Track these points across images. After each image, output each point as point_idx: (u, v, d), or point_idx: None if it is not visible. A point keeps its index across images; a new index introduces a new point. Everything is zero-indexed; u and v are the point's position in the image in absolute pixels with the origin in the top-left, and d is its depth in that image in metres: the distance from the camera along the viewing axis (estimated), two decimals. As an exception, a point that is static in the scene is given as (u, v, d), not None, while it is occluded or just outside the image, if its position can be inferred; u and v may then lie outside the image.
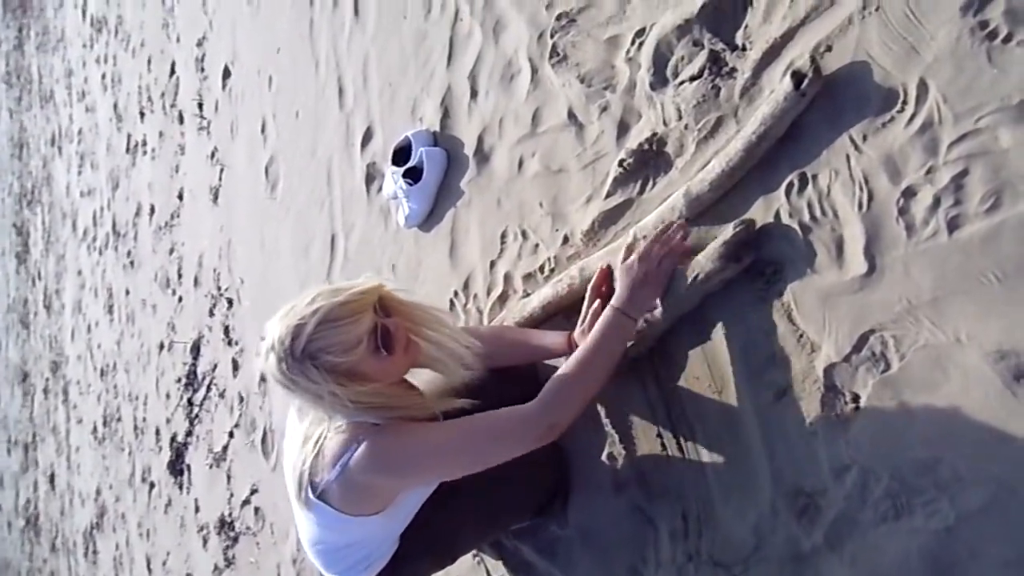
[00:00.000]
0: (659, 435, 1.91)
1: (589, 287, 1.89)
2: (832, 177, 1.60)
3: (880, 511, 1.49)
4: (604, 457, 2.02)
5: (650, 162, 1.96)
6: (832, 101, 1.60)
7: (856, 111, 1.57)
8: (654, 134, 1.94)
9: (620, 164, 1.99)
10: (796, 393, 1.63)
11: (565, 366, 1.71)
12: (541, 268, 2.23)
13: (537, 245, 2.27)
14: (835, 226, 1.59)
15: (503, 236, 2.39)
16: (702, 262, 1.72)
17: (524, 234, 2.32)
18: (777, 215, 1.68)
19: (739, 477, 1.72)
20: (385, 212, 2.99)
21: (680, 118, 1.88)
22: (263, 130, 4.02)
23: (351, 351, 1.55)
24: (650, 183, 1.96)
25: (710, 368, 1.79)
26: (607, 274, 1.88)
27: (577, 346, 1.82)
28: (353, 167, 3.20)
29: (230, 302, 4.29)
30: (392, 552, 1.90)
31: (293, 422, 1.84)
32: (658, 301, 1.78)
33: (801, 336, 1.63)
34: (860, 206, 1.54)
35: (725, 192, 1.75)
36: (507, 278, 2.35)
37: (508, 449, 1.68)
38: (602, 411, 2.02)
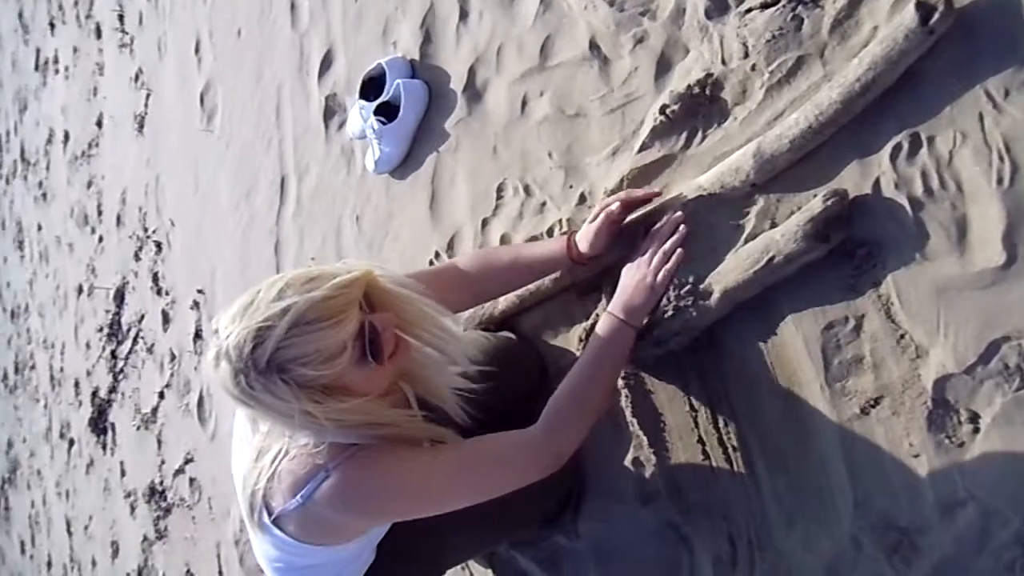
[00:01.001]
0: (700, 441, 1.59)
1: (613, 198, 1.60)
2: (957, 141, 1.26)
3: (1004, 561, 1.21)
4: (628, 462, 1.70)
5: (700, 110, 1.59)
6: (964, 43, 1.26)
7: (996, 58, 1.23)
8: (708, 75, 1.57)
9: (662, 111, 1.62)
10: (892, 406, 1.33)
11: (564, 384, 1.45)
12: (550, 231, 1.86)
13: (544, 203, 1.90)
14: (957, 203, 1.26)
15: (500, 190, 2.02)
16: (779, 241, 1.38)
17: (527, 189, 1.94)
18: (877, 185, 1.34)
19: (809, 500, 1.43)
20: (348, 154, 2.57)
21: (746, 56, 1.51)
22: (197, 50, 3.55)
23: (332, 361, 1.20)
24: (698, 136, 1.60)
25: (775, 368, 1.47)
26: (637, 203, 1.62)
27: (578, 246, 1.60)
28: (308, 98, 2.76)
29: (158, 246, 3.87)
30: (368, 565, 1.58)
31: (243, 424, 1.48)
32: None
33: (902, 337, 1.31)
34: (999, 180, 1.22)
35: (807, 153, 1.40)
36: (505, 241, 1.97)
37: (509, 483, 1.41)
38: (627, 408, 1.69)
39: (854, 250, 1.36)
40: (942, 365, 1.26)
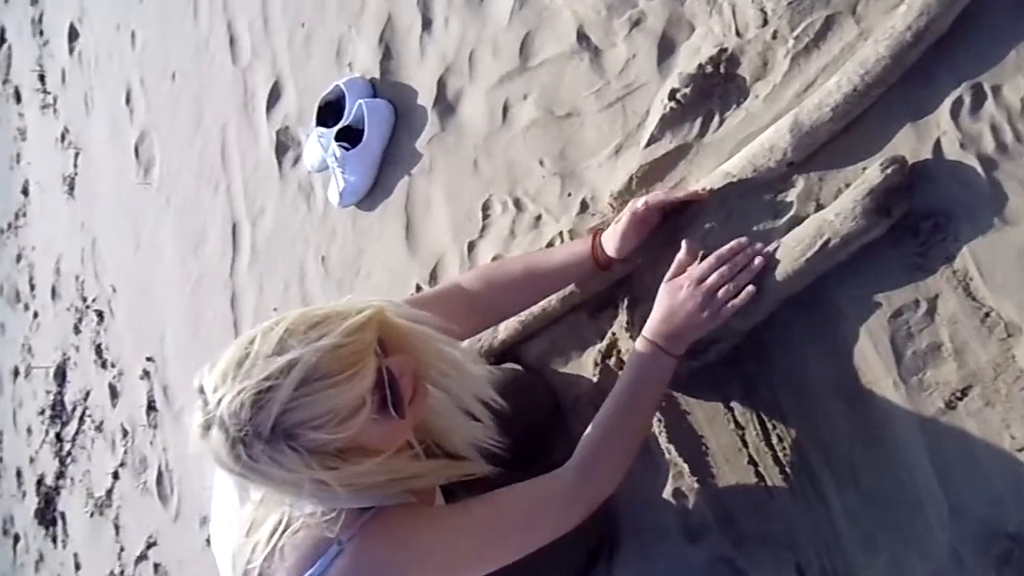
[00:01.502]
0: (752, 462, 1.39)
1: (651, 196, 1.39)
2: (1030, 86, 1.11)
3: None
4: (668, 495, 1.50)
5: (716, 91, 1.43)
6: (1026, -24, 1.12)
7: (1065, -12, 1.09)
8: (721, 50, 1.41)
9: (671, 96, 1.45)
10: (983, 396, 1.16)
11: (597, 421, 1.27)
12: (550, 246, 1.67)
13: (539, 217, 1.71)
14: (1038, 156, 1.11)
15: (485, 208, 1.83)
16: (833, 222, 1.21)
17: (518, 203, 1.76)
18: (938, 147, 1.19)
19: (892, 516, 1.24)
20: (307, 189, 2.36)
21: (764, 23, 1.36)
22: (128, 100, 3.33)
23: (349, 421, 0.99)
24: (715, 120, 1.43)
25: (835, 368, 1.29)
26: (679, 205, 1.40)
27: (604, 248, 1.40)
28: (257, 136, 2.56)
29: (100, 315, 3.60)
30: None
31: (227, 491, 1.25)
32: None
33: (987, 315, 1.15)
34: (1088, 123, 1.06)
35: (850, 122, 1.24)
36: (497, 261, 1.78)
37: (544, 538, 1.22)
38: (661, 434, 1.49)
39: (917, 224, 1.20)
40: (1042, 342, 1.10)
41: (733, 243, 1.27)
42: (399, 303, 1.16)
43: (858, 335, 1.26)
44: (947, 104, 1.18)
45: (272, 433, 0.95)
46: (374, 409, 1.02)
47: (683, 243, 1.31)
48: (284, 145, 2.47)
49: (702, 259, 1.29)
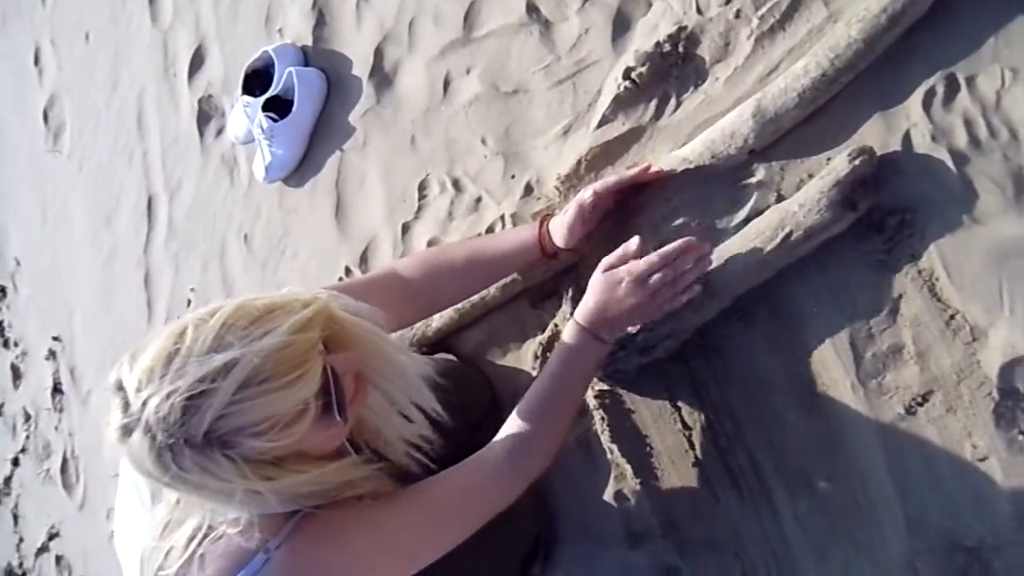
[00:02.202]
0: (699, 464, 1.32)
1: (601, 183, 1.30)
2: (1006, 79, 1.07)
3: (1107, 577, 0.98)
4: (609, 497, 1.42)
5: (673, 71, 1.35)
6: (1004, -39, 1.06)
7: (1046, -25, 1.04)
8: (680, 28, 1.33)
9: (626, 75, 1.36)
10: (945, 402, 1.11)
11: (525, 406, 1.20)
12: (490, 230, 1.57)
13: (479, 199, 1.61)
14: (1011, 152, 1.06)
15: (422, 188, 1.71)
16: (797, 213, 1.13)
17: (457, 184, 1.65)
18: (907, 139, 1.13)
19: (845, 525, 1.19)
20: (230, 163, 2.21)
21: (727, 1, 1.28)
22: (37, 61, 3.10)
23: (291, 428, 0.90)
24: (671, 103, 1.35)
25: (789, 369, 1.23)
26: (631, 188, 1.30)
27: (551, 236, 1.32)
28: (177, 103, 2.39)
29: (2, 291, 3.37)
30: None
31: (135, 486, 1.13)
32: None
33: (953, 318, 1.10)
34: (1067, 119, 1.01)
35: (815, 110, 1.17)
36: (433, 246, 1.67)
37: (479, 519, 1.15)
38: (604, 433, 1.41)
39: (883, 219, 1.14)
40: (1009, 346, 1.05)
41: (680, 242, 1.16)
42: (340, 295, 1.05)
43: (816, 334, 1.20)
44: (919, 94, 1.12)
45: (205, 440, 0.84)
46: (318, 414, 0.92)
47: (635, 237, 1.21)
48: (207, 114, 2.31)
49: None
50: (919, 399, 1.12)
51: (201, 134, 2.31)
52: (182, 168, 2.37)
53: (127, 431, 0.85)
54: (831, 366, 1.19)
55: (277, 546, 0.95)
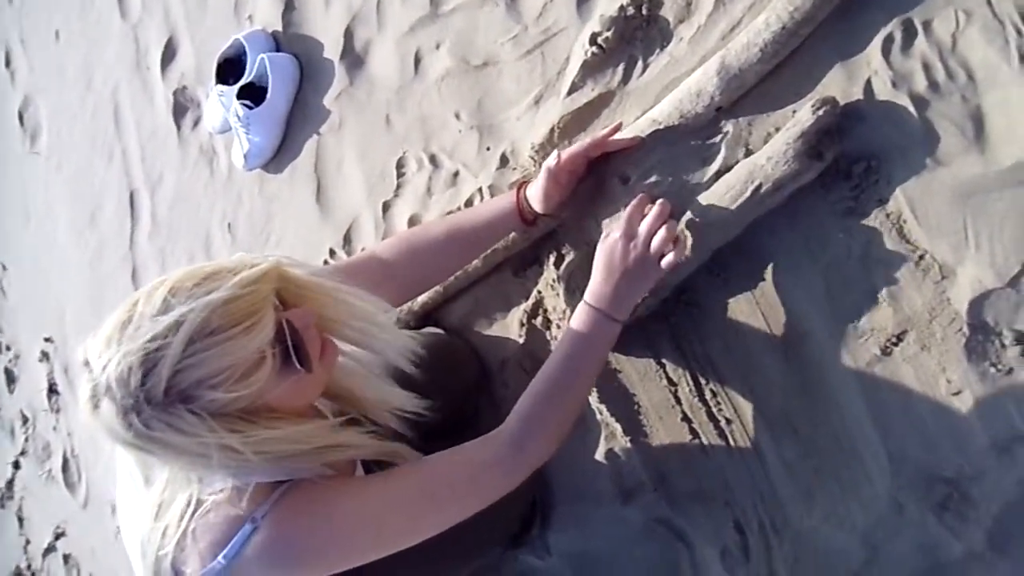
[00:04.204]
0: (686, 418, 1.36)
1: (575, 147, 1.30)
2: (960, 21, 1.09)
3: (1084, 494, 1.03)
4: (600, 456, 1.45)
5: (638, 34, 1.37)
6: (954, -95, 1.08)
7: (994, -84, 1.05)
8: (643, -8, 1.34)
9: (592, 41, 1.38)
10: (919, 340, 1.14)
11: (535, 386, 1.19)
12: (469, 203, 1.59)
13: (457, 173, 1.63)
14: (969, 93, 1.08)
15: (400, 166, 1.73)
16: (765, 166, 1.16)
17: (434, 159, 1.67)
18: (869, 87, 1.15)
19: (830, 465, 1.22)
20: (209, 153, 2.22)
21: (687, -37, 1.29)
22: (8, 63, 3.06)
23: (249, 377, 0.92)
24: (638, 66, 1.37)
25: (768, 319, 1.25)
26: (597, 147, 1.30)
27: (529, 203, 1.32)
28: (152, 97, 2.39)
29: (-9, 295, 3.31)
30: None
31: (130, 474, 1.15)
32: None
33: (922, 257, 1.12)
34: (1020, 57, 1.04)
35: (778, 64, 1.19)
36: (414, 224, 1.69)
37: (479, 502, 1.15)
38: (593, 394, 1.44)
39: (849, 167, 1.16)
40: (977, 282, 1.08)
41: (639, 196, 1.22)
42: (296, 259, 1.08)
43: (791, 284, 1.23)
44: (878, 41, 1.14)
45: (166, 396, 0.87)
46: (278, 364, 0.95)
47: (637, 197, 1.23)
48: (182, 106, 2.31)
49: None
50: (894, 339, 1.15)
51: (178, 126, 2.31)
52: (161, 161, 2.37)
53: (95, 399, 0.88)
54: (807, 313, 1.22)
55: (264, 515, 0.98)
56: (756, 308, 1.27)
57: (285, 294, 1.02)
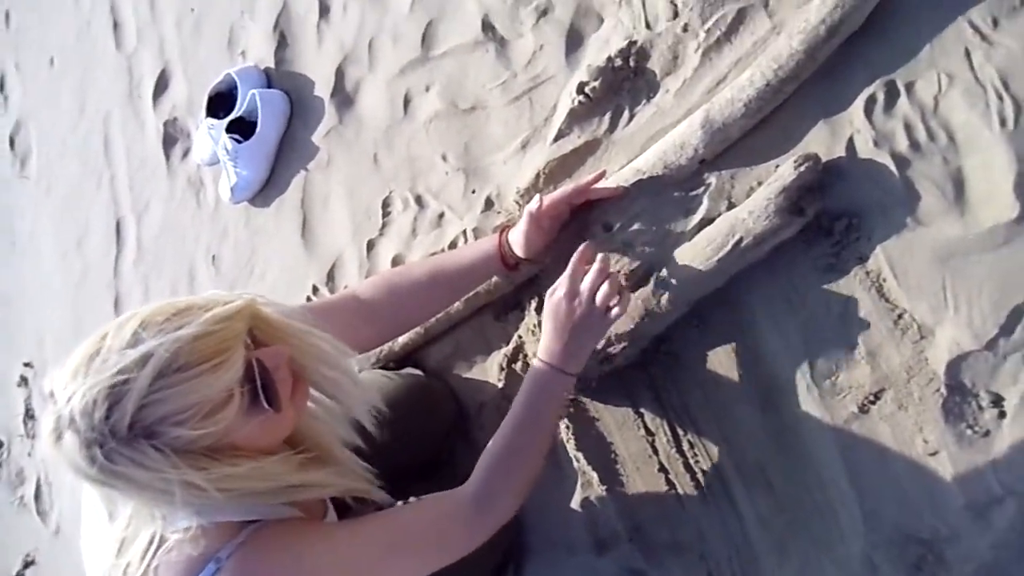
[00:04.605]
0: (663, 469, 1.34)
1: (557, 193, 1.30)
2: (943, 84, 1.10)
3: (1056, 565, 1.01)
4: (576, 504, 1.44)
5: (625, 85, 1.38)
6: (937, -29, 1.10)
7: (976, -16, 1.07)
8: (631, 43, 1.36)
9: (580, 90, 1.39)
10: (896, 399, 1.13)
11: (495, 442, 1.19)
12: (453, 245, 1.59)
13: (442, 215, 1.63)
14: (950, 155, 1.09)
15: (385, 205, 1.73)
16: (746, 220, 1.16)
17: (419, 200, 1.67)
18: (851, 145, 1.16)
19: (804, 522, 1.21)
20: (196, 184, 2.21)
21: (675, 15, 1.31)
22: (2, 87, 3.05)
23: (215, 416, 0.90)
24: (624, 115, 1.38)
25: (746, 372, 1.25)
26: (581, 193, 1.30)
27: (511, 248, 1.31)
28: (143, 126, 2.39)
29: (-28, 318, 3.26)
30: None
31: (95, 508, 1.13)
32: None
33: (900, 317, 1.12)
34: (1001, 122, 1.05)
35: (762, 119, 1.20)
36: (398, 263, 1.68)
37: (444, 557, 1.14)
38: (569, 441, 1.43)
39: (831, 224, 1.17)
40: (955, 343, 1.08)
41: (580, 248, 1.21)
42: (270, 299, 1.07)
43: (770, 337, 1.23)
44: (860, 101, 1.15)
45: (130, 431, 0.85)
46: (245, 403, 0.93)
47: (579, 248, 1.22)
48: (172, 137, 2.31)
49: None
50: (871, 397, 1.15)
51: (167, 156, 2.31)
52: (149, 190, 2.37)
53: (57, 432, 0.86)
54: (786, 368, 1.21)
55: (229, 555, 0.96)
56: (735, 360, 1.26)
57: (259, 333, 1.01)
